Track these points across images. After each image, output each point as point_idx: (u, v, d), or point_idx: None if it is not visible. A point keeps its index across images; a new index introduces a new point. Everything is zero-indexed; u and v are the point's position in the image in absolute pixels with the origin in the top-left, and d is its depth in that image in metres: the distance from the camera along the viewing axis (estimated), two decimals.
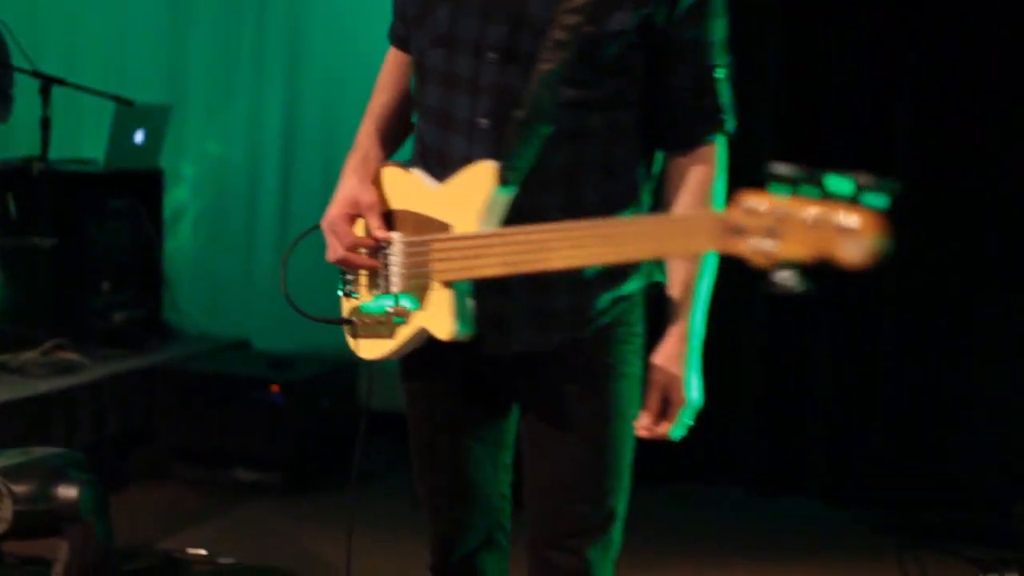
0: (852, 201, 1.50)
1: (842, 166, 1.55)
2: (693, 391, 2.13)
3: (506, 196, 1.99)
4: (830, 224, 1.50)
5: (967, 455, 4.54)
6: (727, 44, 2.10)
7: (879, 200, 1.50)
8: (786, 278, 1.56)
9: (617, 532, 2.21)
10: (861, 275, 4.68)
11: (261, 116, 5.52)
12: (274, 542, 4.13)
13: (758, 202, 1.57)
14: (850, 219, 1.49)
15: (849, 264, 1.50)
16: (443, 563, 2.34)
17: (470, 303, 2.03)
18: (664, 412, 2.12)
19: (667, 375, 2.11)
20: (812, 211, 1.52)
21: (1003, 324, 4.52)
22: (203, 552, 3.87)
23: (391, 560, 3.91)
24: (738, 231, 1.59)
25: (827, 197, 1.51)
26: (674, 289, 2.13)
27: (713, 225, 1.63)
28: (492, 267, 1.95)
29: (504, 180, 1.98)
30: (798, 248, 1.53)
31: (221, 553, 3.88)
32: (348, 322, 2.23)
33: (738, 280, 4.76)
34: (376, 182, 2.19)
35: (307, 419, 4.72)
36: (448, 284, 2.02)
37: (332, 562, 3.86)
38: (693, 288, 2.11)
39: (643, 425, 2.13)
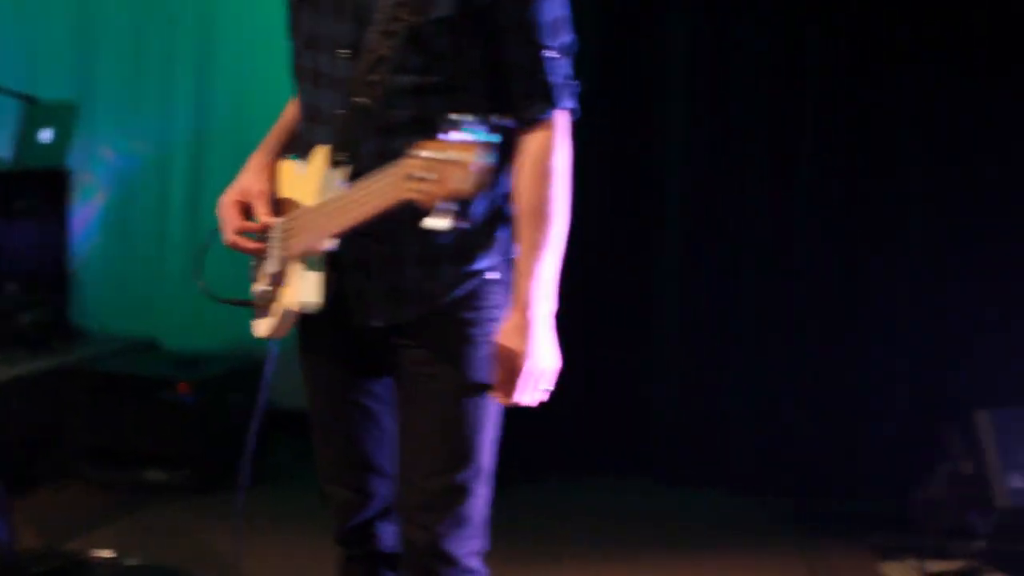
0: (469, 142, 1.80)
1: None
2: (540, 360, 2.19)
3: (338, 175, 2.15)
4: (449, 161, 1.80)
5: (868, 444, 4.63)
6: (562, 23, 2.19)
7: (484, 136, 1.81)
8: (437, 219, 1.83)
9: (474, 509, 2.27)
10: (775, 272, 4.62)
11: (171, 114, 5.47)
12: (183, 542, 4.11)
13: (426, 150, 1.83)
14: (463, 155, 1.80)
15: (458, 192, 1.80)
16: (341, 529, 2.44)
17: (313, 276, 2.17)
18: (510, 383, 2.19)
19: (505, 350, 2.19)
20: (449, 153, 1.81)
21: (909, 313, 4.61)
22: (109, 553, 3.85)
23: (304, 558, 3.92)
24: (411, 178, 1.84)
25: (473, 141, 1.81)
26: (518, 265, 2.22)
27: (398, 173, 1.89)
28: (310, 239, 2.15)
29: (333, 161, 2.15)
30: (439, 186, 1.81)
31: (128, 554, 3.86)
32: (250, 304, 2.36)
33: (651, 273, 4.84)
34: (273, 175, 2.36)
35: (216, 418, 4.69)
36: (300, 259, 2.18)
37: (242, 562, 3.85)
38: (529, 262, 2.19)
39: (496, 396, 2.23)
